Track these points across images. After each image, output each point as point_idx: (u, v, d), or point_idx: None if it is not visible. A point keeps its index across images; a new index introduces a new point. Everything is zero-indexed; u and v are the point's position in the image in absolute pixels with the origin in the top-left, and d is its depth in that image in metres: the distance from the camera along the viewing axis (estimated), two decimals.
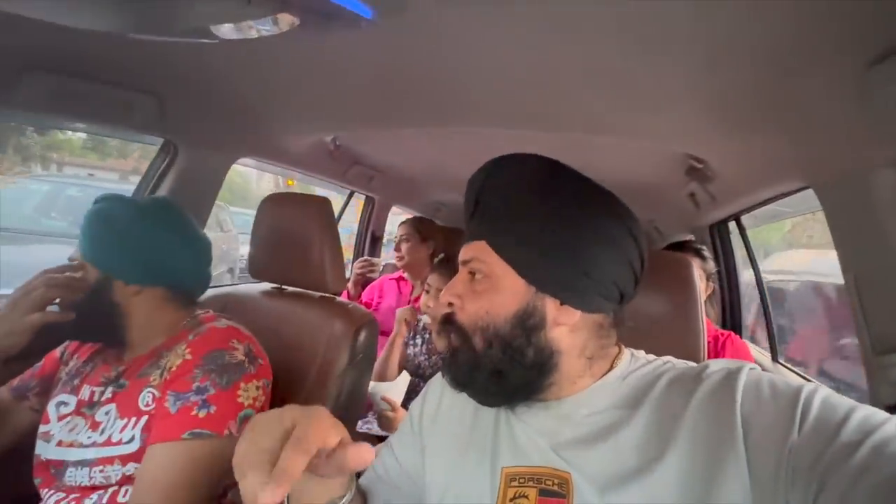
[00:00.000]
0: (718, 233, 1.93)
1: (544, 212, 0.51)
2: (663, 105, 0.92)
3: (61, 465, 0.74)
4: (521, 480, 0.49)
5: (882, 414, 0.40)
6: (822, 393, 0.43)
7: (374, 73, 0.91)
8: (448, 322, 0.54)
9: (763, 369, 1.44)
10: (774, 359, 1.70)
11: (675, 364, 0.54)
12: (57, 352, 0.90)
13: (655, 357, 0.56)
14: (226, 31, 0.43)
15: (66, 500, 0.72)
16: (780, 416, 0.42)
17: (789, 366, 1.68)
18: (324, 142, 1.60)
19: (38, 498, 0.76)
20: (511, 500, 0.49)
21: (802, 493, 0.38)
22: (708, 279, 1.45)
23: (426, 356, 1.42)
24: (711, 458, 0.43)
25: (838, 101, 0.70)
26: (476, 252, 0.53)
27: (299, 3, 0.40)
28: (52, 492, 0.74)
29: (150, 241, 0.84)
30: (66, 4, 0.41)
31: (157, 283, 0.84)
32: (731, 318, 1.94)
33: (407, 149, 1.73)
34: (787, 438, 0.40)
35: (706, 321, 1.48)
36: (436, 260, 1.48)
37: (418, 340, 1.47)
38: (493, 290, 0.51)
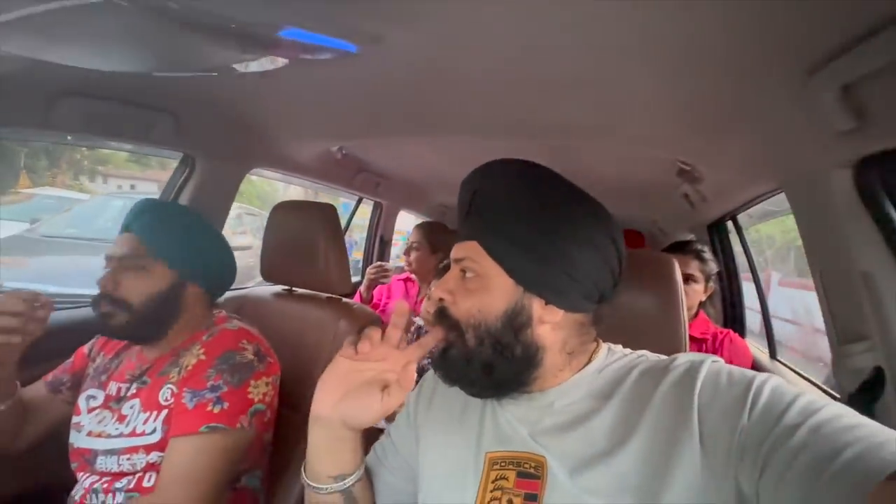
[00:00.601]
0: (717, 232, 1.95)
1: (532, 215, 0.53)
2: (639, 111, 0.96)
3: (90, 454, 0.82)
4: (503, 464, 0.54)
5: (824, 400, 0.43)
6: (774, 382, 0.46)
7: (367, 89, 0.97)
8: (443, 316, 0.56)
9: (762, 367, 1.45)
10: (773, 356, 1.71)
11: (648, 357, 0.58)
12: (85, 349, 0.97)
13: (631, 351, 0.60)
14: (233, 68, 0.51)
15: (100, 482, 0.80)
16: (733, 402, 0.45)
17: (788, 363, 1.69)
18: (331, 151, 1.67)
19: (74, 480, 0.84)
20: (493, 481, 0.53)
21: (749, 472, 0.42)
22: (708, 280, 1.45)
23: (427, 359, 1.48)
24: (669, 441, 0.46)
25: (790, 107, 0.74)
26: (468, 252, 0.56)
27: (287, 44, 0.48)
28: (86, 475, 0.82)
29: (207, 244, 0.95)
30: (91, 51, 0.50)
31: (201, 284, 0.93)
32: (731, 317, 1.95)
33: (410, 156, 1.79)
34: (738, 422, 0.44)
35: (705, 320, 1.51)
36: (440, 266, 1.53)
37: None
38: (483, 289, 0.54)
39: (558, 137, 1.18)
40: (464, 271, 0.56)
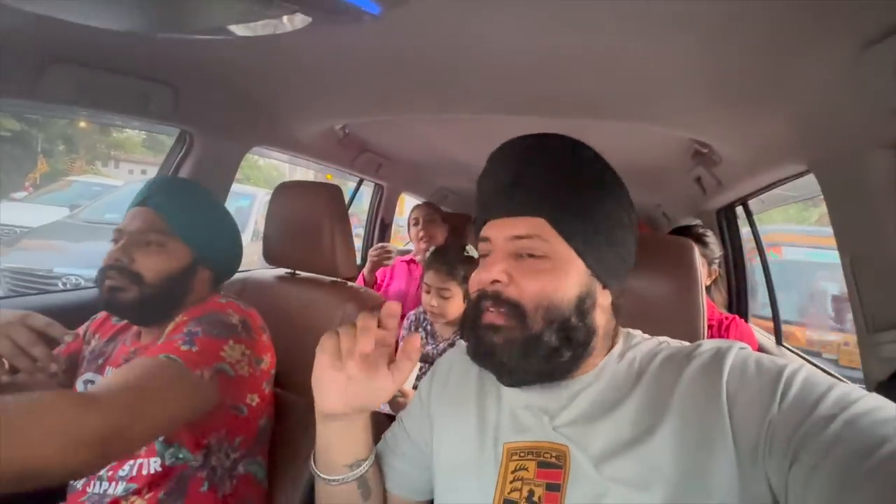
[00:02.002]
0: (726, 217, 1.93)
1: (597, 196, 0.52)
2: (663, 88, 0.93)
3: None
4: (522, 454, 0.52)
5: (859, 391, 0.41)
6: (805, 372, 0.44)
7: (381, 62, 0.93)
8: (494, 299, 0.51)
9: (768, 353, 1.45)
10: (779, 342, 1.71)
11: (670, 343, 0.56)
12: (80, 330, 0.93)
13: (650, 336, 0.58)
14: (241, 29, 0.46)
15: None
16: (762, 392, 0.44)
17: (793, 349, 1.69)
18: (333, 130, 1.63)
19: None
20: (513, 472, 0.52)
21: (778, 465, 0.40)
22: (710, 265, 1.45)
23: (433, 345, 1.46)
24: (701, 431, 0.45)
25: (834, 83, 0.71)
26: (533, 229, 0.51)
27: (311, 1, 0.43)
28: None
29: (223, 227, 0.91)
30: (90, 6, 0.45)
31: (212, 267, 0.90)
32: (737, 303, 1.94)
33: (414, 136, 1.74)
34: (768, 413, 0.42)
35: (711, 305, 1.50)
36: (428, 254, 1.50)
37: (421, 333, 1.52)
38: (557, 270, 0.51)
39: (575, 115, 1.14)
40: (525, 251, 0.52)
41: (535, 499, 0.49)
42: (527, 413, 0.55)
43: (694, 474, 0.44)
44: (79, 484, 0.78)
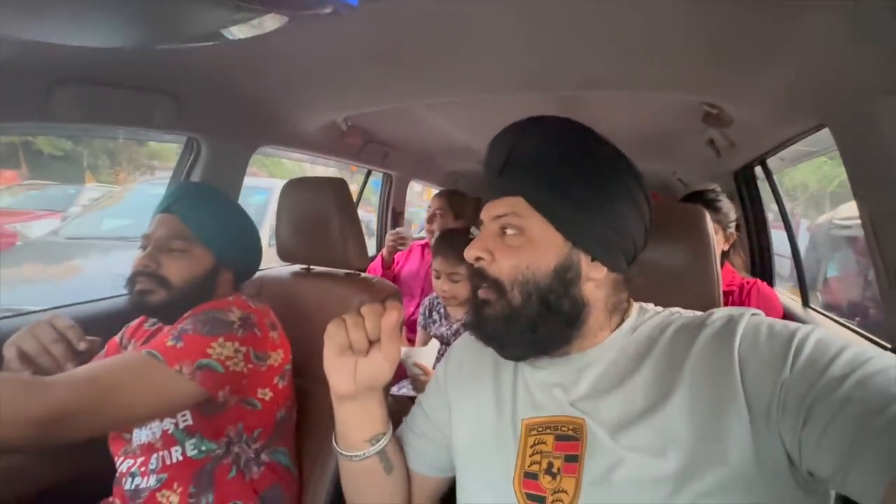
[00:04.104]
0: (744, 179, 1.86)
1: (578, 170, 0.52)
2: (665, 52, 0.90)
3: (128, 439, 0.84)
4: (540, 429, 0.54)
5: (872, 351, 0.41)
6: (818, 334, 0.44)
7: (371, 51, 0.93)
8: (480, 276, 0.55)
9: (793, 315, 1.41)
10: (805, 304, 1.66)
11: (682, 314, 0.56)
12: (116, 339, 0.98)
13: (663, 308, 0.59)
14: (227, 34, 0.47)
15: (136, 465, 0.81)
16: (775, 355, 0.44)
17: (821, 310, 1.64)
18: (335, 123, 1.63)
19: (114, 466, 0.86)
20: (532, 446, 0.53)
21: (792, 425, 0.41)
22: (725, 230, 1.40)
23: (447, 326, 1.49)
24: (714, 396, 0.45)
25: (837, 32, 0.68)
26: (510, 207, 0.53)
27: (285, 2, 0.43)
28: (123, 459, 0.84)
29: (243, 230, 0.96)
30: (83, 28, 0.46)
31: (234, 269, 0.95)
32: (760, 265, 1.89)
33: (417, 123, 1.74)
34: (780, 375, 0.43)
35: (731, 270, 1.46)
36: (433, 240, 1.51)
37: (435, 316, 1.54)
38: (531, 244, 0.53)
39: (576, 88, 1.12)
40: (503, 228, 0.54)
41: (555, 470, 0.51)
42: (541, 389, 0.56)
43: (708, 439, 0.44)
44: (120, 480, 0.83)
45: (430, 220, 2.05)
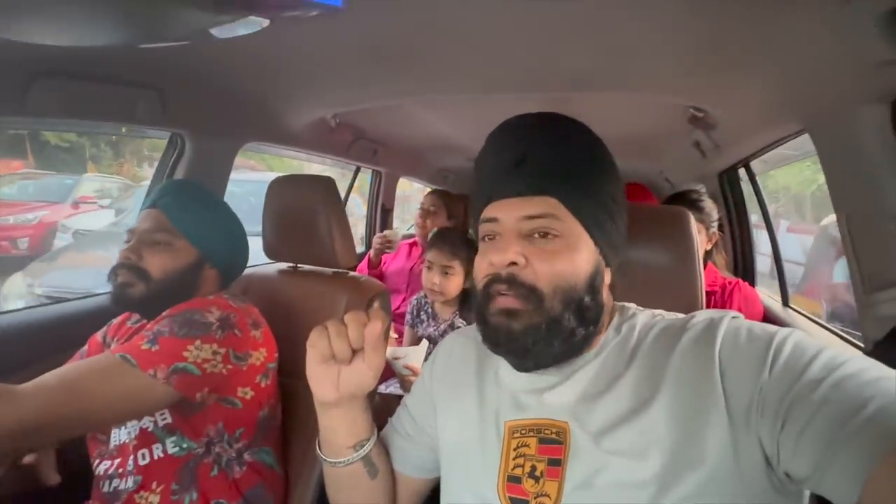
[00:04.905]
0: (728, 180, 1.89)
1: (603, 174, 0.53)
2: (650, 55, 0.91)
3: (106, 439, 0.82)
4: (523, 432, 0.53)
5: (847, 354, 0.42)
6: (795, 337, 0.45)
7: (359, 49, 0.92)
8: (509, 283, 0.50)
9: (774, 315, 1.44)
10: (785, 304, 1.70)
11: (664, 316, 0.56)
12: (98, 336, 0.96)
13: (644, 308, 0.59)
14: (204, 33, 0.46)
15: (113, 467, 0.80)
16: (753, 359, 0.45)
17: (800, 310, 1.68)
18: (324, 120, 1.61)
19: (90, 469, 0.84)
20: (515, 449, 0.53)
21: (770, 428, 0.41)
22: (708, 229, 1.43)
23: (434, 327, 1.49)
24: (695, 399, 0.46)
25: (820, 39, 0.69)
26: (546, 208, 0.50)
27: (268, 2, 0.43)
28: (100, 461, 0.83)
29: (228, 227, 0.95)
30: (63, 28, 0.45)
31: (218, 266, 0.94)
32: (742, 265, 1.92)
33: (406, 120, 1.73)
34: (759, 378, 0.43)
35: (713, 270, 1.49)
36: (431, 235, 1.50)
37: (423, 316, 1.54)
38: (570, 250, 0.50)
39: (564, 89, 1.12)
40: (536, 231, 0.51)
41: (538, 473, 0.51)
42: (526, 391, 0.55)
43: (689, 441, 0.45)
44: (98, 482, 0.81)
45: (424, 216, 2.06)
